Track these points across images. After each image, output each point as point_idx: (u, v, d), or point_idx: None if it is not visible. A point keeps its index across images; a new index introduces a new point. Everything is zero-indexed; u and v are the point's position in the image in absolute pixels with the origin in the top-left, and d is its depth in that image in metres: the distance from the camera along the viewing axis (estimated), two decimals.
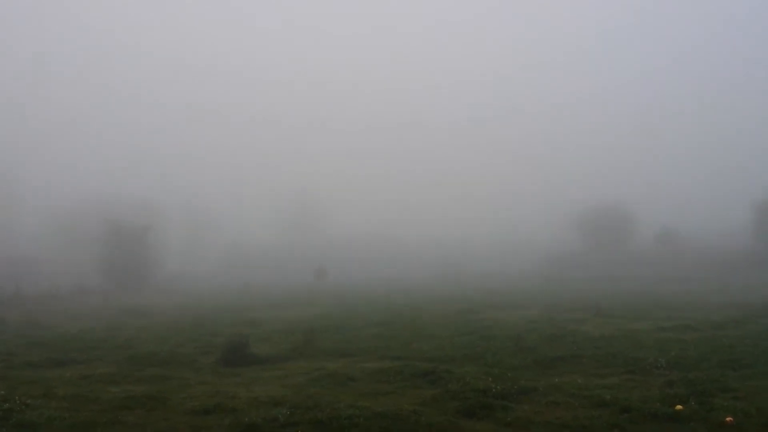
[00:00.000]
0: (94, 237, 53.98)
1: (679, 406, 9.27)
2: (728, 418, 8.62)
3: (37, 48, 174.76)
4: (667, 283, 43.10)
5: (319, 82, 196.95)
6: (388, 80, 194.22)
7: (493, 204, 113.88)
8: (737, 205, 64.84)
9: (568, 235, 72.31)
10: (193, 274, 69.77)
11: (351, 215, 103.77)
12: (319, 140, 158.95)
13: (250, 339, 15.90)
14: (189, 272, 69.56)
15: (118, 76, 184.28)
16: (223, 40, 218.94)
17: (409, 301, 33.39)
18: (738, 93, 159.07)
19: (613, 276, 51.58)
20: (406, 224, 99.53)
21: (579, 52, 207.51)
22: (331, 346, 16.70)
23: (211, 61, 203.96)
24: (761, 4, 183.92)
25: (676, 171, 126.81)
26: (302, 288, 47.21)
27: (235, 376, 13.10)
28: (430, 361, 13.85)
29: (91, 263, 53.58)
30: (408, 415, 9.14)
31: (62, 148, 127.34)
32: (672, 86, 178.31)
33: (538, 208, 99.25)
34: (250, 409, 9.78)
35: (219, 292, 48.30)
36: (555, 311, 24.94)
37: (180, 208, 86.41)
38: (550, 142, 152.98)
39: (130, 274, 51.22)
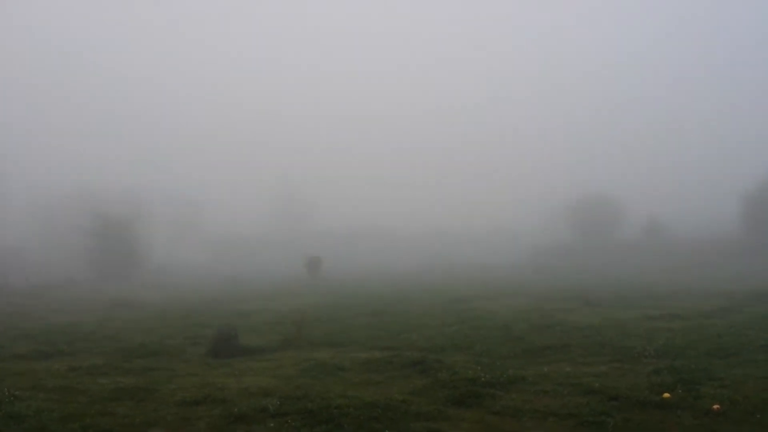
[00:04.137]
0: (81, 228, 53.69)
1: (666, 394, 9.33)
2: (715, 406, 8.69)
3: (23, 37, 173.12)
4: (655, 272, 43.35)
5: (309, 73, 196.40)
6: (378, 72, 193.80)
7: (482, 195, 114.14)
8: (725, 195, 65.25)
9: (557, 226, 72.63)
10: (182, 265, 69.52)
11: (340, 207, 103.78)
12: (309, 132, 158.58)
13: (240, 330, 15.89)
14: (178, 263, 69.31)
15: (105, 66, 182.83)
16: (213, 30, 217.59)
17: (399, 291, 33.45)
18: (726, 84, 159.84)
19: (601, 266, 51.82)
20: (395, 216, 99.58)
21: (566, 42, 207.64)
22: (321, 337, 16.72)
23: (201, 51, 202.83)
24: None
25: (664, 162, 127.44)
26: (292, 279, 47.16)
27: (224, 367, 13.08)
28: (419, 351, 13.89)
29: (78, 255, 53.31)
30: (398, 404, 9.17)
31: (49, 139, 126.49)
32: (660, 77, 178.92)
33: (528, 200, 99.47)
34: (239, 399, 9.77)
35: (208, 283, 48.20)
36: (544, 301, 25.06)
37: (168, 200, 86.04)
38: (539, 134, 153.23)
39: (117, 266, 50.99)
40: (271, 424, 8.47)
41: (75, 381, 11.65)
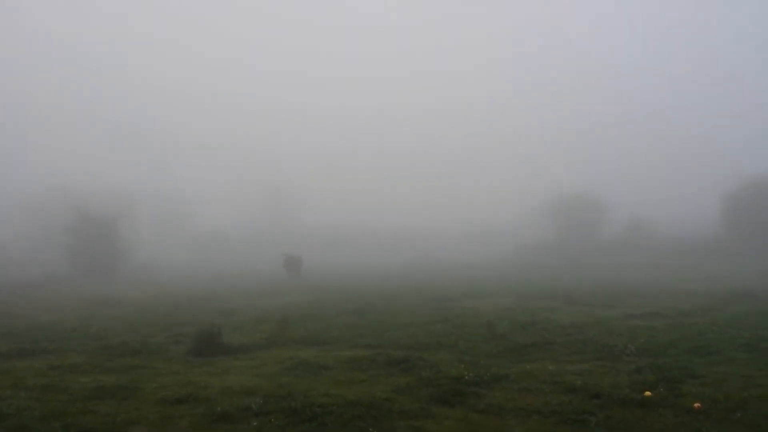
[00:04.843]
0: (64, 225, 53.24)
1: (647, 392, 9.41)
2: (696, 404, 8.77)
3: (11, 35, 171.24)
4: (638, 271, 43.62)
5: (298, 76, 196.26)
6: (364, 75, 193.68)
7: (466, 194, 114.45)
8: (707, 195, 65.77)
9: (541, 224, 72.81)
10: (167, 263, 69.08)
11: (327, 205, 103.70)
12: (296, 132, 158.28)
13: (223, 328, 15.82)
14: (162, 261, 68.86)
15: (93, 65, 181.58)
16: (202, 33, 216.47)
17: (384, 289, 33.43)
18: (709, 85, 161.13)
19: (584, 264, 52.07)
20: (381, 214, 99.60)
21: (552, 45, 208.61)
22: (305, 335, 16.68)
23: (190, 52, 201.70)
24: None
25: (646, 161, 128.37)
26: (277, 277, 47.00)
27: (207, 365, 13.03)
28: (403, 349, 13.90)
29: (60, 252, 52.86)
30: (381, 402, 9.18)
31: (34, 137, 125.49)
32: (643, 79, 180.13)
33: (511, 198, 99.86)
34: (222, 398, 9.74)
35: (192, 281, 47.95)
36: (527, 299, 25.14)
37: (154, 198, 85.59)
38: (523, 134, 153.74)
39: (100, 264, 50.57)
40: (255, 423, 8.46)
41: (56, 379, 11.58)
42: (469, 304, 23.95)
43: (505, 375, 10.86)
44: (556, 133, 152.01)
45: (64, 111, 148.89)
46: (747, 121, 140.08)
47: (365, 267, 62.02)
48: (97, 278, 46.80)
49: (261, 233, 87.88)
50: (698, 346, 13.24)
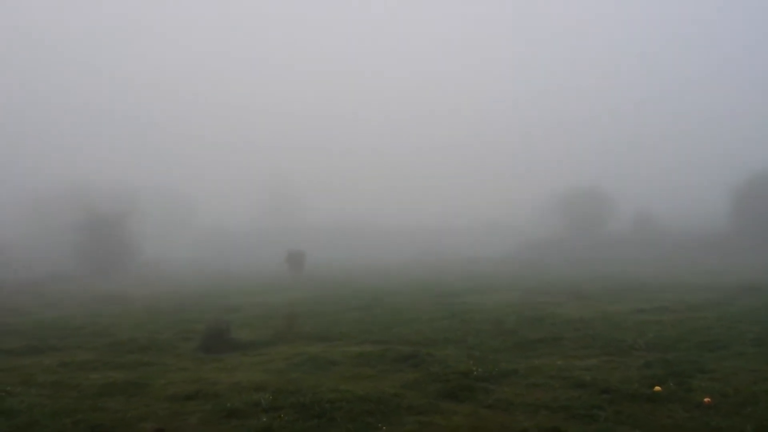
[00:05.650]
0: (70, 223, 53.38)
1: (657, 387, 9.39)
2: (706, 399, 8.75)
3: (13, 32, 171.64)
4: (645, 265, 43.54)
5: (300, 72, 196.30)
6: (367, 70, 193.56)
7: (471, 189, 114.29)
8: (714, 189, 65.54)
9: (547, 219, 72.67)
10: (173, 259, 69.23)
11: (331, 201, 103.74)
12: (299, 128, 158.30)
13: (231, 325, 15.85)
14: (168, 258, 68.99)
15: (96, 63, 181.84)
16: (203, 29, 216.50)
17: (390, 285, 33.44)
18: (716, 80, 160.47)
19: (591, 259, 51.98)
20: (386, 210, 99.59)
21: (557, 39, 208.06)
22: (312, 331, 16.70)
23: (191, 49, 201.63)
24: None
25: (654, 155, 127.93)
26: (280, 273, 47.02)
27: (215, 362, 13.06)
28: (411, 345, 13.89)
29: (67, 249, 52.99)
30: (390, 398, 9.19)
31: (40, 135, 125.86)
32: (650, 74, 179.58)
33: (517, 193, 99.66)
34: (231, 394, 9.77)
35: (199, 278, 48.04)
36: (534, 294, 25.10)
37: (159, 195, 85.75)
38: (529, 128, 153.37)
39: (107, 261, 50.69)
40: (264, 419, 8.48)
41: (66, 376, 11.62)
42: (476, 300, 23.92)
43: (513, 370, 10.85)
44: (562, 128, 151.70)
45: (69, 109, 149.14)
46: (754, 115, 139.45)
47: (369, 263, 62.06)
48: (103, 275, 46.94)
49: (264, 230, 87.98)
50: (707, 340, 13.21)
